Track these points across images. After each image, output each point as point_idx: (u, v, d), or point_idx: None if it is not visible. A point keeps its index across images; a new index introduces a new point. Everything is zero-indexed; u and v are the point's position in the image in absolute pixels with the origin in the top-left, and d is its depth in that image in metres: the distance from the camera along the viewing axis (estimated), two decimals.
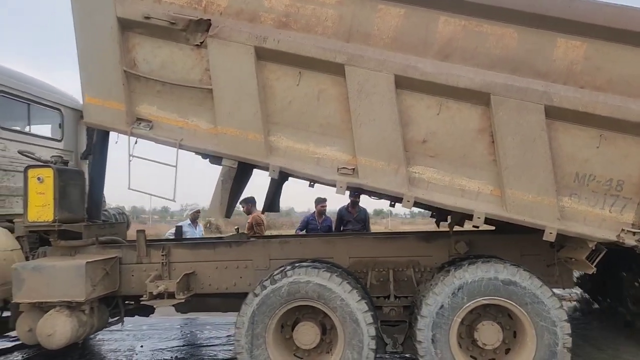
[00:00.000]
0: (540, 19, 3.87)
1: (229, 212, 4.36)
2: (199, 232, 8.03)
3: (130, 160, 4.17)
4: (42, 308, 4.42)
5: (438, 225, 5.99)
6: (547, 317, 3.90)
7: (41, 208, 4.66)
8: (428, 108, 4.00)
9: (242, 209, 7.79)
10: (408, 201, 3.92)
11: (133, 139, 4.19)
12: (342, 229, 7.52)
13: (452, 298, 3.96)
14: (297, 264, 4.31)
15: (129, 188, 4.18)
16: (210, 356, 5.94)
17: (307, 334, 4.21)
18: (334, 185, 4.00)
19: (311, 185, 6.09)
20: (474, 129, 3.97)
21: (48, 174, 4.66)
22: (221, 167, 4.16)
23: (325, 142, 4.06)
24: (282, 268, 4.27)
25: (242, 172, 4.39)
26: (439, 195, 3.95)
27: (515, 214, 3.86)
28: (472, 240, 4.61)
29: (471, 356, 4.15)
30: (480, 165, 3.96)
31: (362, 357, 4.01)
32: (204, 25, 4.07)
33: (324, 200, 7.93)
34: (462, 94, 3.93)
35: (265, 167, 4.11)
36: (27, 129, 5.95)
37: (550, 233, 3.81)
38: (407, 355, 4.45)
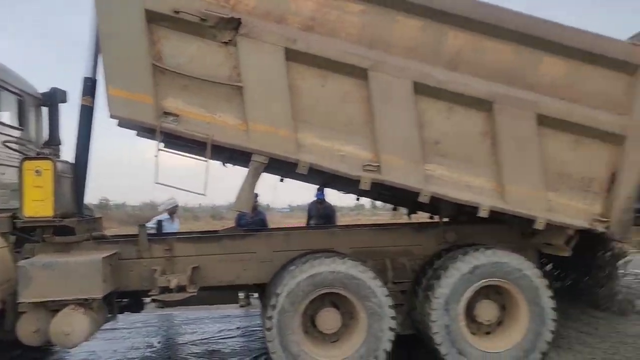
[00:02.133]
0: (531, 39, 4.51)
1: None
2: (176, 226, 7.85)
3: (156, 155, 4.14)
4: (47, 307, 4.23)
5: (409, 217, 6.55)
6: (536, 293, 4.61)
7: (39, 203, 4.42)
8: (440, 112, 4.48)
9: None
10: (425, 195, 4.37)
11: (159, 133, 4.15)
12: (310, 223, 7.82)
13: (461, 280, 4.53)
14: (319, 255, 4.58)
15: (156, 182, 4.14)
16: (231, 349, 6.00)
17: (330, 320, 4.52)
18: (359, 180, 4.32)
19: (281, 180, 6.36)
20: (478, 132, 4.53)
21: (47, 166, 4.43)
22: (250, 162, 4.27)
23: (349, 140, 4.37)
24: (306, 258, 4.52)
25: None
26: (450, 190, 4.45)
27: (514, 207, 4.49)
28: (458, 230, 5.20)
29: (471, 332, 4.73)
30: (483, 163, 4.53)
31: (376, 353, 4.44)
32: (234, 23, 4.16)
33: (256, 195, 8.01)
34: (469, 101, 4.47)
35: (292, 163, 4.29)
36: None
37: (540, 222, 4.49)
38: (404, 333, 4.91)
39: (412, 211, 6.65)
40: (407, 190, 4.41)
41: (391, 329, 4.49)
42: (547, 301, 4.66)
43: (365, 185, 4.32)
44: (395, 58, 4.36)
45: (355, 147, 4.37)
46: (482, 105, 4.48)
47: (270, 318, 4.38)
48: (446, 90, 4.42)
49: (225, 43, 4.22)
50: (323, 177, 5.79)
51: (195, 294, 4.63)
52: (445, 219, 5.42)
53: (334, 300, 4.62)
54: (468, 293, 4.56)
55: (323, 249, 4.90)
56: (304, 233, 5.21)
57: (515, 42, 4.50)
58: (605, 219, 4.61)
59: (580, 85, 4.62)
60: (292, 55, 4.24)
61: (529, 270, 4.67)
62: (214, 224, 18.54)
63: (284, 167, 4.78)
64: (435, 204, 4.84)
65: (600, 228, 4.60)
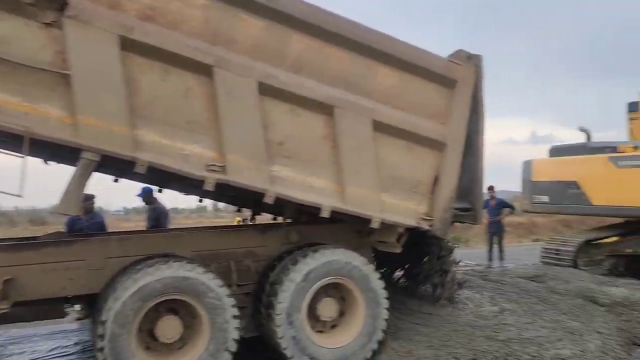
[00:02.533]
0: (367, 49, 4.80)
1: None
2: None
3: None
4: None
5: (253, 219, 6.52)
6: (367, 280, 4.92)
7: None
8: (283, 114, 4.52)
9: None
10: (270, 197, 4.37)
11: None
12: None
13: (297, 290, 4.63)
14: (154, 260, 4.29)
15: None
16: None
17: (169, 328, 4.25)
18: (203, 181, 4.15)
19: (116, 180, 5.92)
20: (320, 134, 4.68)
21: None
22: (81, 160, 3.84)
23: (192, 139, 4.18)
24: (140, 266, 4.19)
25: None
26: (294, 191, 4.52)
27: (352, 207, 4.71)
28: (301, 230, 5.31)
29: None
30: (325, 165, 4.69)
31: (226, 344, 4.30)
32: (58, 3, 3.71)
33: (92, 197, 7.41)
34: (312, 104, 4.59)
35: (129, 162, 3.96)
36: None
37: (376, 221, 4.79)
38: (247, 336, 4.85)
39: (256, 212, 6.63)
40: (252, 191, 4.36)
41: (235, 317, 4.40)
42: (378, 283, 4.97)
43: (209, 186, 4.17)
44: (240, 56, 4.30)
45: (199, 146, 4.20)
46: (324, 109, 4.64)
47: (101, 350, 3.99)
48: (290, 92, 4.48)
49: (48, 24, 3.73)
50: (163, 177, 5.47)
51: (7, 310, 4.01)
52: (288, 220, 5.50)
53: (172, 306, 4.37)
54: (307, 299, 4.68)
55: (163, 253, 4.61)
56: (142, 237, 4.86)
57: (353, 50, 4.75)
58: (430, 218, 5.10)
59: (410, 95, 5.05)
60: (129, 45, 3.92)
61: (357, 261, 4.92)
62: (33, 229, 16.48)
63: (118, 166, 4.41)
64: (279, 205, 4.88)
65: (425, 226, 5.07)
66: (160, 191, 6.61)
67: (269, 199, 4.37)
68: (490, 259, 11.65)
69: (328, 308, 4.87)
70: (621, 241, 9.19)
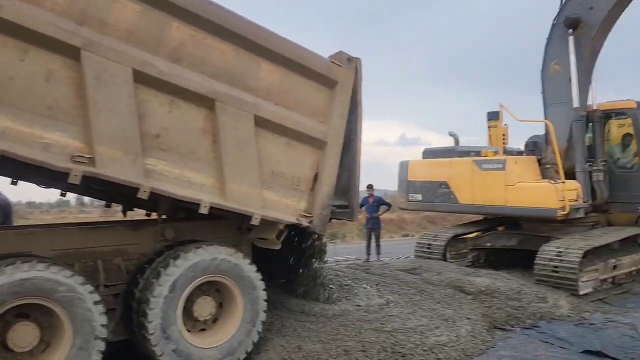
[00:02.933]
0: (251, 44, 4.74)
1: None
2: None
3: None
4: None
5: (125, 215, 6.10)
6: (253, 287, 4.85)
7: None
8: (161, 105, 4.29)
9: None
10: (145, 191, 4.10)
11: None
12: None
13: (182, 278, 4.43)
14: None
15: None
16: None
17: (23, 337, 3.80)
18: (68, 174, 3.78)
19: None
20: (200, 128, 4.51)
21: None
22: None
23: (55, 127, 3.77)
24: None
25: None
26: (171, 186, 4.30)
27: (233, 204, 4.61)
28: (176, 227, 5.08)
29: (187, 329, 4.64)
30: (204, 160, 4.53)
31: (95, 332, 3.98)
32: None
33: None
34: (192, 97, 4.41)
35: None
36: None
37: (257, 218, 4.74)
38: (115, 340, 4.53)
39: (128, 208, 6.21)
40: (124, 185, 4.07)
41: (96, 302, 4.06)
42: (250, 269, 4.87)
43: (75, 179, 3.80)
44: (112, 40, 3.99)
45: (62, 135, 3.81)
46: (205, 102, 4.49)
47: None
48: (168, 83, 4.26)
49: None
50: (18, 168, 4.90)
51: None
52: (164, 216, 5.23)
53: (27, 312, 3.91)
54: (180, 307, 4.47)
55: (15, 253, 4.11)
56: None
57: (236, 44, 4.66)
58: (309, 215, 5.18)
59: (292, 93, 5.08)
60: None
61: (223, 254, 4.74)
62: None
63: None
64: (154, 201, 4.62)
65: (304, 222, 5.13)
66: (14, 183, 5.91)
67: (143, 194, 4.11)
68: (368, 253, 12.29)
69: (204, 307, 4.70)
70: (481, 236, 10.15)
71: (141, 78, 4.11)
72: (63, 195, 6.33)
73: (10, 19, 3.53)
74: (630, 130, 9.15)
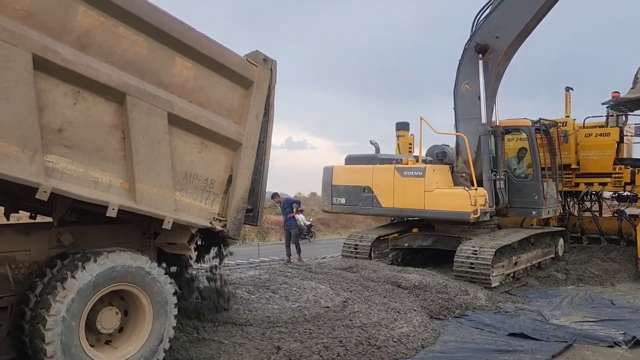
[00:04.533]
0: (165, 36, 4.46)
1: None
2: None
3: None
4: None
5: (8, 218, 5.40)
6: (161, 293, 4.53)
7: None
8: (65, 96, 3.86)
9: None
10: (45, 192, 3.65)
11: None
12: None
13: (84, 291, 3.99)
14: None
15: None
16: None
17: None
18: None
19: None
20: (108, 123, 4.14)
21: None
22: None
23: None
24: None
25: None
26: (75, 187, 3.88)
27: (144, 206, 4.28)
28: (74, 231, 4.59)
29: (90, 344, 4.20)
30: (112, 159, 4.15)
31: None
32: None
33: None
34: (99, 89, 4.03)
35: None
36: None
37: (169, 222, 4.45)
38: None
39: (12, 210, 5.50)
40: (14, 184, 3.58)
41: None
42: (162, 278, 4.59)
43: None
44: (7, 20, 3.51)
45: None
46: (114, 95, 4.13)
47: None
48: (74, 72, 3.85)
49: None
50: None
51: None
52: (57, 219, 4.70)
53: None
54: (88, 307, 4.07)
55: None
56: None
57: (150, 36, 4.35)
58: (223, 218, 4.98)
59: (207, 91, 4.86)
60: None
61: (120, 260, 4.31)
62: None
63: None
64: (49, 202, 4.13)
65: (218, 226, 4.93)
66: None
67: (42, 195, 3.65)
68: (288, 254, 12.38)
69: (109, 318, 4.30)
70: (400, 237, 10.91)
71: (42, 65, 3.67)
72: None
73: None
74: (526, 144, 10.46)
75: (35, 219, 5.70)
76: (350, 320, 6.02)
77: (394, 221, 11.89)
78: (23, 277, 4.23)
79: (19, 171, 3.54)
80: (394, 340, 5.62)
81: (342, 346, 5.24)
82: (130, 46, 4.24)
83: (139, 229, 5.00)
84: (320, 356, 5.03)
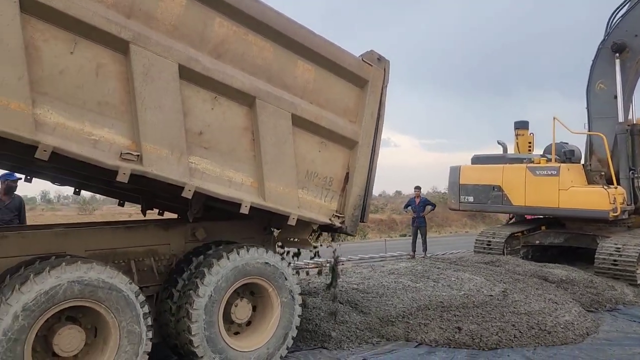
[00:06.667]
0: (288, 41, 4.67)
1: None
2: None
3: None
4: None
5: (144, 214, 5.95)
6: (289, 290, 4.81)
7: None
8: (204, 102, 4.19)
9: None
10: (189, 190, 4.00)
11: None
12: None
13: (225, 279, 4.37)
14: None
15: None
16: None
17: (70, 340, 3.65)
18: (116, 172, 3.64)
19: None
20: (240, 126, 4.43)
21: None
22: None
23: (103, 122, 3.64)
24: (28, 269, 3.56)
25: None
26: (213, 186, 4.20)
27: (271, 203, 4.54)
28: (207, 227, 4.97)
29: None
30: (243, 159, 4.44)
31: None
32: None
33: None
34: (234, 94, 4.32)
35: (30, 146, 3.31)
36: None
37: (294, 218, 4.68)
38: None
39: (148, 207, 6.05)
40: (162, 183, 3.95)
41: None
42: (290, 277, 4.87)
43: (123, 177, 3.67)
44: (159, 35, 3.87)
45: (110, 132, 3.67)
46: (246, 99, 4.41)
47: None
48: (212, 79, 4.16)
49: None
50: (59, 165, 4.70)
51: None
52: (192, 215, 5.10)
53: (73, 314, 3.78)
54: (227, 294, 4.42)
55: (52, 253, 3.97)
56: (25, 235, 4.12)
57: (275, 41, 4.58)
58: (341, 215, 5.15)
59: (325, 91, 5.03)
60: (29, 7, 3.29)
61: (277, 261, 4.75)
62: None
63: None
64: (184, 201, 4.49)
65: (337, 223, 5.10)
66: (28, 180, 5.69)
67: (187, 193, 4.00)
68: (414, 249, 12.64)
69: (242, 309, 4.63)
70: (531, 234, 10.89)
71: (186, 74, 4.01)
72: (77, 193, 6.12)
73: (64, 11, 3.38)
74: None
75: (162, 216, 6.20)
76: (515, 308, 6.26)
77: (511, 221, 11.85)
78: (164, 269, 4.66)
79: (169, 172, 3.90)
80: (561, 326, 5.88)
81: (516, 329, 5.68)
82: (258, 52, 4.50)
83: (261, 225, 5.29)
84: (499, 336, 5.55)
